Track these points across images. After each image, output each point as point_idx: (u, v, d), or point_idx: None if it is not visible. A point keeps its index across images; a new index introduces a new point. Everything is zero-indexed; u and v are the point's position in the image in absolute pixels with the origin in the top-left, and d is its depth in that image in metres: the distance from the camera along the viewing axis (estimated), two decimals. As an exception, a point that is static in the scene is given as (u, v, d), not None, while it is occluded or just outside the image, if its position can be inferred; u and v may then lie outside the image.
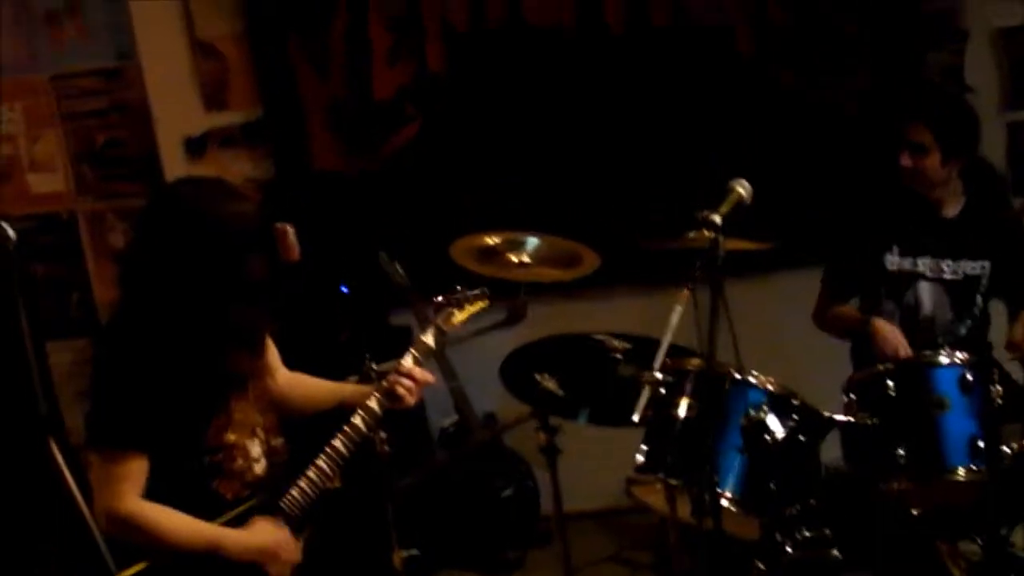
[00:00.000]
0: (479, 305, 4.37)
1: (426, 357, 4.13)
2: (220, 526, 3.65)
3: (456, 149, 6.96)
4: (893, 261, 5.29)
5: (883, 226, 5.33)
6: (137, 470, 3.55)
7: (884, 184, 5.39)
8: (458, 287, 4.36)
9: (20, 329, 5.10)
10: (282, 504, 3.79)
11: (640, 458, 4.55)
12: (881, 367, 4.62)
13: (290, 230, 3.87)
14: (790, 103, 6.69)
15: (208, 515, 3.63)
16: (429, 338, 4.19)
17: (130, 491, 3.54)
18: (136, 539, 3.57)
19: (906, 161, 5.11)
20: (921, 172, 5.10)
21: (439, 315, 4.27)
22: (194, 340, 3.56)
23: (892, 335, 5.05)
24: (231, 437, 3.70)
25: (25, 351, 5.33)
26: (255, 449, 3.81)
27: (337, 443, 3.88)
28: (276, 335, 4.02)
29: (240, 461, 3.74)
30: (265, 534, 3.71)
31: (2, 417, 4.36)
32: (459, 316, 4.31)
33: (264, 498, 3.77)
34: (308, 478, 3.83)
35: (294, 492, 3.80)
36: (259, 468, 3.82)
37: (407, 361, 4.08)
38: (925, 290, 5.27)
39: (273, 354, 4.00)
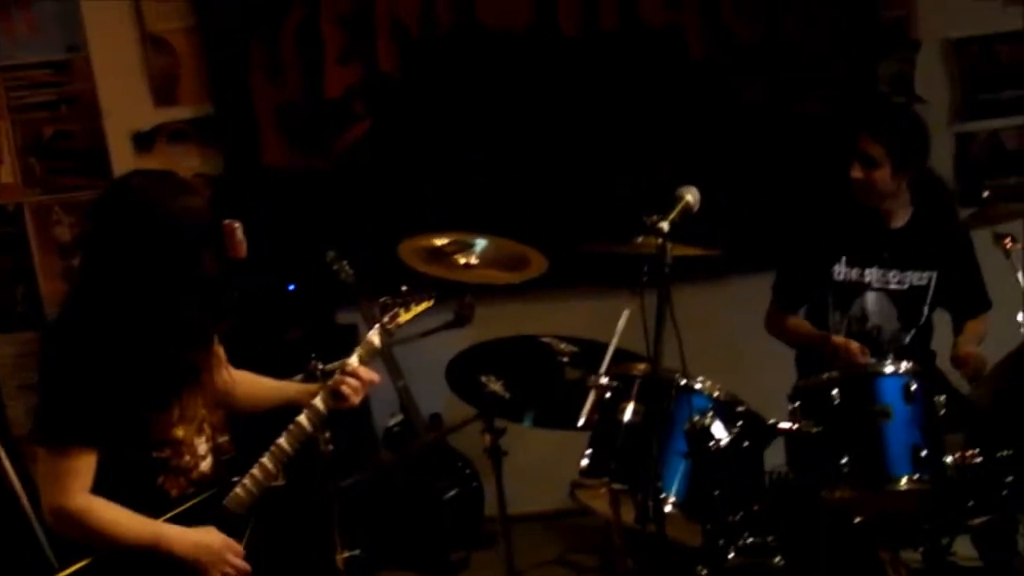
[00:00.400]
0: (425, 305, 4.36)
1: (372, 357, 4.11)
2: (166, 523, 3.62)
3: (405, 149, 6.95)
4: (840, 271, 5.31)
5: (831, 236, 5.35)
6: (85, 466, 3.52)
7: (833, 194, 5.41)
8: (404, 287, 4.34)
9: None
10: (226, 502, 3.77)
11: (585, 462, 4.55)
12: (826, 376, 4.64)
13: (238, 227, 3.85)
14: (742, 109, 6.72)
15: (153, 511, 3.61)
16: (375, 338, 4.18)
17: (78, 487, 3.51)
18: (82, 535, 3.54)
19: (857, 173, 5.13)
20: (871, 184, 5.12)
21: (385, 315, 4.25)
22: (144, 335, 3.53)
23: (852, 348, 5.07)
24: (179, 433, 3.68)
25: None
26: (202, 446, 3.79)
27: (282, 441, 3.86)
28: (222, 332, 4.00)
29: (187, 457, 3.71)
30: (211, 534, 3.68)
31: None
32: (405, 316, 4.30)
33: (209, 495, 3.74)
34: (253, 476, 3.81)
35: (238, 490, 3.79)
36: (205, 465, 3.80)
37: (353, 360, 4.07)
38: (872, 300, 5.30)
39: (220, 352, 3.98)
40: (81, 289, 3.64)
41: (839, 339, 5.15)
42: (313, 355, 4.61)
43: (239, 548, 3.73)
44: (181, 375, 3.69)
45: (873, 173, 5.09)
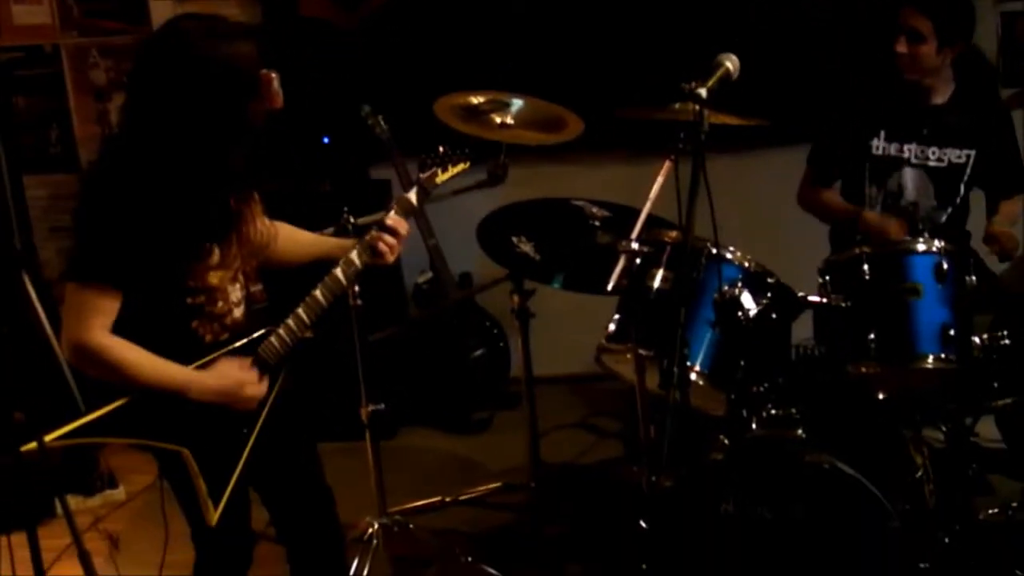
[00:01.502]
0: (462, 166, 4.34)
1: (407, 215, 4.11)
2: (185, 368, 3.64)
3: (444, 5, 6.89)
4: (879, 146, 5.28)
5: (871, 110, 5.31)
6: (110, 306, 3.52)
7: (874, 68, 5.36)
8: (441, 147, 4.32)
9: (-2, 161, 5.07)
10: (259, 350, 3.78)
11: (612, 327, 4.56)
12: (857, 251, 4.62)
13: (275, 77, 3.82)
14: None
15: (185, 356, 3.62)
16: (412, 196, 4.17)
17: (101, 324, 3.52)
18: (99, 372, 3.56)
19: (902, 47, 5.07)
20: (916, 59, 5.06)
21: (422, 174, 4.24)
22: (187, 179, 3.53)
23: (884, 222, 5.06)
24: (214, 280, 3.68)
25: (2, 184, 5.32)
26: (236, 293, 3.79)
27: (317, 293, 3.86)
28: (262, 182, 3.99)
29: (221, 304, 3.72)
30: (227, 377, 3.69)
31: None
32: (442, 176, 4.28)
33: (242, 343, 3.76)
34: (287, 326, 3.81)
35: (272, 339, 3.80)
36: (239, 312, 3.81)
37: (390, 216, 4.06)
38: (909, 176, 5.26)
39: (257, 201, 3.97)
40: (125, 130, 3.63)
41: (872, 215, 5.14)
42: (345, 209, 4.61)
43: (254, 376, 3.75)
44: (220, 222, 3.69)
45: (919, 48, 5.03)
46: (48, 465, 3.55)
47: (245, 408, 3.73)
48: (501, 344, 6.93)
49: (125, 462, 6.34)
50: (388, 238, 4.00)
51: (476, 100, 5.05)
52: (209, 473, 3.68)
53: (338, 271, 3.91)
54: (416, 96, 5.51)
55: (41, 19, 7.20)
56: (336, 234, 4.34)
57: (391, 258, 4.04)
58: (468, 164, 4.34)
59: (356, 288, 4.86)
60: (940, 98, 5.22)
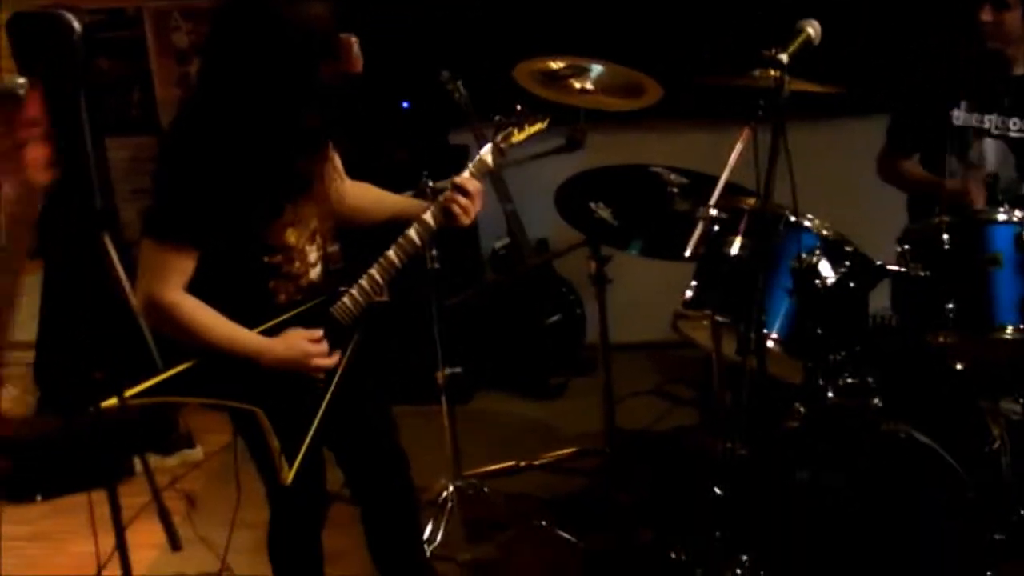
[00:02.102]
0: (539, 126, 4.32)
1: (483, 175, 4.11)
2: (255, 335, 3.67)
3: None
4: (959, 116, 5.23)
5: (952, 80, 5.26)
6: (186, 264, 3.56)
7: (955, 37, 5.31)
8: (518, 106, 4.32)
9: (80, 123, 5.11)
10: (333, 311, 3.80)
11: (689, 293, 4.55)
12: (937, 220, 4.58)
13: (355, 41, 3.84)
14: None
15: (261, 315, 3.66)
16: (488, 156, 4.16)
17: (176, 282, 3.55)
18: (171, 330, 3.60)
19: (987, 16, 5.01)
20: (1001, 27, 5.01)
21: (498, 134, 4.23)
22: (263, 140, 3.55)
23: (965, 185, 5.02)
24: (291, 239, 3.71)
25: (84, 145, 5.36)
26: (313, 254, 3.82)
27: (391, 254, 3.87)
28: (339, 144, 4.01)
29: (297, 264, 3.75)
30: (295, 348, 3.71)
31: (59, 210, 4.38)
32: (518, 136, 4.27)
33: (316, 303, 3.79)
34: (360, 287, 3.83)
35: (346, 300, 3.82)
36: (315, 273, 3.83)
37: (462, 177, 4.06)
38: (990, 147, 5.21)
39: (336, 162, 3.99)
40: (201, 92, 3.66)
41: (953, 183, 5.10)
42: (424, 173, 4.63)
43: (323, 345, 3.77)
44: (296, 182, 3.71)
45: (1003, 15, 4.98)
46: (128, 423, 3.59)
47: (314, 375, 3.76)
48: (578, 310, 6.94)
49: (202, 422, 6.41)
50: (462, 199, 3.98)
51: (556, 65, 5.05)
52: (284, 433, 3.72)
53: (412, 231, 3.92)
54: (495, 61, 5.52)
55: (125, -19, 7.26)
56: (415, 198, 4.35)
57: (466, 220, 4.02)
58: (545, 124, 4.32)
59: (434, 252, 4.88)
60: (1021, 68, 5.17)
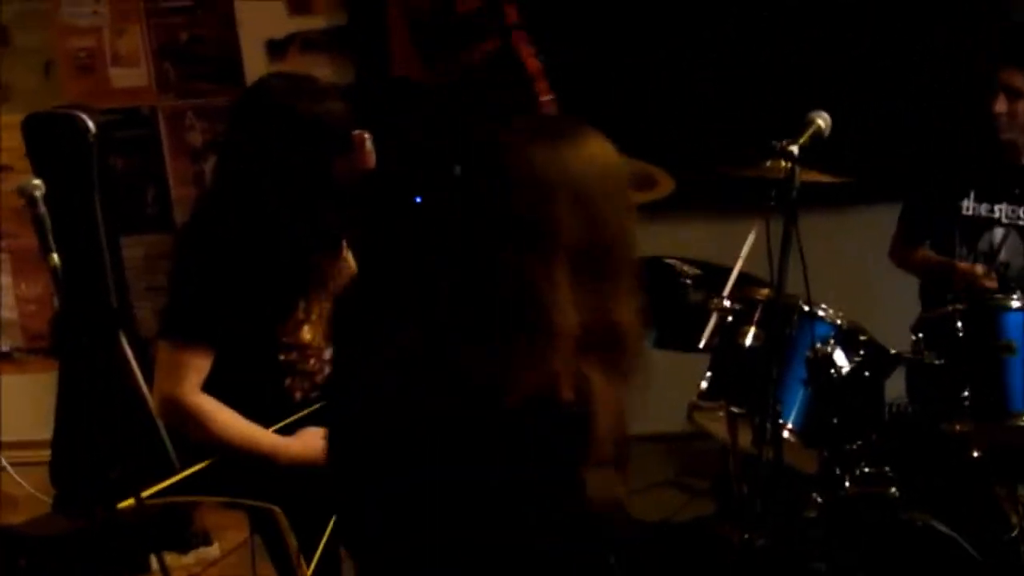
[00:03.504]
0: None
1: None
2: (272, 434, 3.68)
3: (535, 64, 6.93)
4: (969, 206, 5.25)
5: (961, 170, 5.29)
6: (202, 364, 3.57)
7: (965, 128, 5.34)
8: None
9: (96, 221, 5.14)
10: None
11: (704, 384, 4.56)
12: (950, 307, 4.60)
13: (368, 137, 3.86)
14: (876, 35, 6.62)
15: (277, 414, 3.66)
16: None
17: (193, 382, 3.57)
18: (188, 430, 3.61)
19: (1001, 107, 5.03)
20: (1015, 117, 5.03)
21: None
22: (278, 237, 3.57)
23: (976, 270, 5.03)
24: (306, 337, 3.72)
25: (100, 243, 5.39)
26: (328, 351, 3.83)
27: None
28: (352, 240, 4.03)
29: (313, 361, 3.76)
30: (311, 447, 3.70)
31: (75, 309, 4.40)
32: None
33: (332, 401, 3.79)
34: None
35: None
36: (330, 370, 3.84)
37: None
38: (1000, 236, 5.23)
39: (350, 259, 4.01)
40: (215, 188, 3.69)
41: (964, 265, 5.11)
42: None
43: None
44: (310, 279, 3.72)
45: (1018, 105, 5.01)
46: (144, 522, 3.59)
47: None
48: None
49: (220, 520, 6.39)
50: None
51: (568, 159, 5.07)
52: (301, 531, 3.70)
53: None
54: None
55: (138, 82, 7.31)
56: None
57: None
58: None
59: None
60: (1032, 161, 5.20)
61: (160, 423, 4.39)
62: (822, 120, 3.98)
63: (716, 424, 4.58)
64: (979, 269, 5.01)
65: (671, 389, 5.04)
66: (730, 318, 4.36)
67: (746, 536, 4.32)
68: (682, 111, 6.81)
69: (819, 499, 4.39)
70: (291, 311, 3.68)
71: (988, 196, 5.23)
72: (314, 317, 3.75)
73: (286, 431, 3.69)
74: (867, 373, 4.42)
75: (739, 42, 6.73)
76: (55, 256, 3.83)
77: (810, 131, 3.94)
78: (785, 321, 4.32)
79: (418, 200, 6.68)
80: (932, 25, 6.56)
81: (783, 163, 3.85)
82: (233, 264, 3.52)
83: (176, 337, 3.58)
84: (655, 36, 6.78)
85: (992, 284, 4.95)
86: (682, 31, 6.76)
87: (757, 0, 6.67)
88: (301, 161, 3.54)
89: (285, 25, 7.10)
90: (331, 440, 2.68)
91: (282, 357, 3.69)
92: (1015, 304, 4.51)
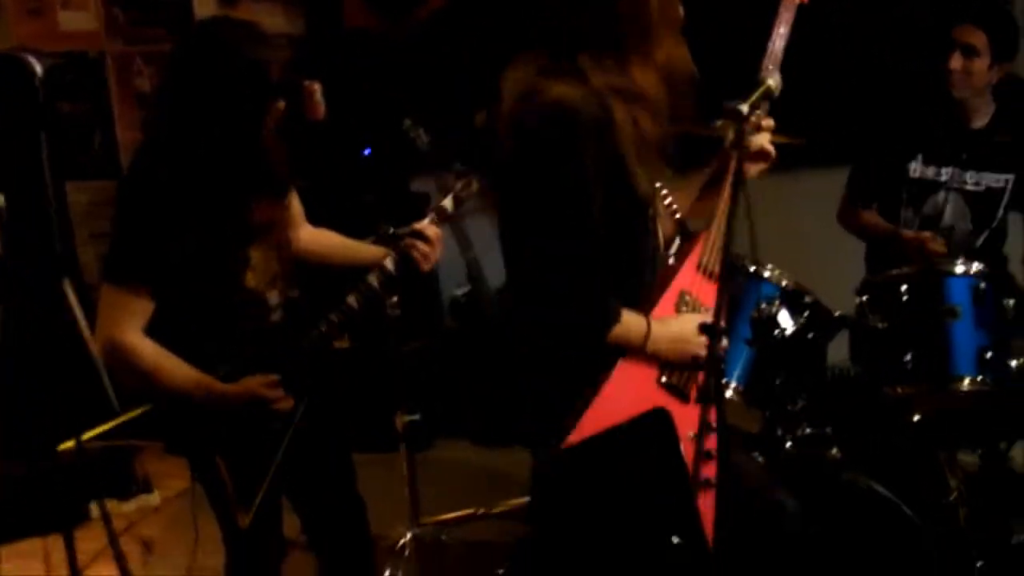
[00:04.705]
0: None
1: (442, 222, 4.12)
2: (211, 379, 3.66)
3: (488, 17, 6.91)
4: (916, 168, 5.27)
5: (909, 133, 5.30)
6: (143, 307, 3.56)
7: (914, 90, 5.36)
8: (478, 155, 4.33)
9: (41, 166, 5.10)
10: (292, 356, 3.80)
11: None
12: (895, 272, 4.62)
13: (317, 88, 3.85)
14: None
15: (220, 359, 3.65)
16: (447, 203, 4.18)
17: (134, 324, 3.56)
18: (129, 372, 3.59)
19: (956, 63, 5.05)
20: (970, 75, 5.04)
21: (459, 182, 4.24)
22: (217, 181, 3.56)
23: (924, 236, 5.05)
24: (251, 283, 3.71)
25: (45, 189, 5.34)
26: (273, 298, 3.82)
27: (351, 300, 3.88)
28: (299, 192, 4.02)
29: (257, 308, 3.75)
30: (250, 392, 3.70)
31: (18, 254, 4.37)
32: (478, 185, 4.28)
33: (276, 347, 3.78)
34: (320, 332, 3.84)
35: (305, 345, 3.82)
36: (276, 317, 3.83)
37: (421, 223, 4.07)
38: (946, 199, 5.25)
39: (297, 207, 4.00)
40: (155, 134, 3.67)
41: (909, 233, 5.13)
42: (383, 220, 4.64)
43: (274, 381, 3.75)
44: (254, 226, 3.71)
45: (972, 63, 5.02)
46: (84, 467, 3.58)
47: (271, 420, 3.75)
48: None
49: (160, 467, 6.38)
50: (421, 245, 4.01)
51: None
52: (242, 478, 3.70)
53: (372, 277, 3.94)
54: (459, 109, 5.53)
55: (87, 26, 7.25)
56: (376, 244, 4.35)
57: (426, 266, 4.05)
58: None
59: (394, 299, 4.88)
60: (979, 122, 5.21)
61: (103, 369, 4.36)
62: (773, 80, 3.97)
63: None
64: (927, 235, 5.02)
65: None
66: (676, 276, 4.37)
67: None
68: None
69: (760, 459, 4.40)
70: (234, 255, 3.66)
71: (936, 159, 5.24)
72: (257, 263, 3.73)
73: (230, 376, 3.67)
74: (811, 335, 4.44)
75: (692, 3, 6.71)
76: (1, 198, 3.81)
77: (760, 91, 3.93)
78: (730, 280, 4.32)
79: (367, 153, 6.67)
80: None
81: (732, 123, 3.85)
82: (174, 207, 3.51)
83: (118, 280, 3.56)
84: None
85: (941, 249, 4.98)
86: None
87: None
88: (241, 105, 3.53)
89: (237, -28, 7.06)
90: None
91: (227, 302, 3.68)
92: (959, 269, 4.53)
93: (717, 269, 3.61)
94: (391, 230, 4.52)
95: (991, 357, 4.40)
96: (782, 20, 3.98)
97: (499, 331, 6.81)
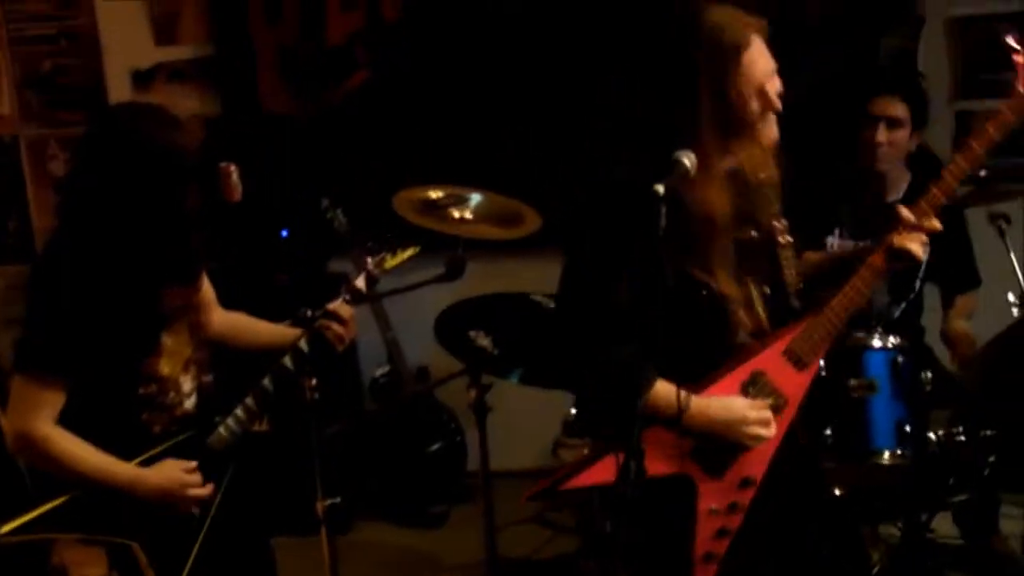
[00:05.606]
0: (411, 252, 4.32)
1: (357, 302, 4.11)
2: (129, 466, 3.62)
3: (404, 100, 6.93)
4: (834, 243, 5.30)
5: (827, 208, 5.33)
6: (55, 397, 3.52)
7: (829, 165, 5.39)
8: (390, 234, 4.33)
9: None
10: (208, 441, 3.77)
11: (569, 421, 4.55)
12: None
13: (234, 169, 3.82)
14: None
15: (135, 447, 3.61)
16: (361, 282, 4.16)
17: (47, 416, 3.52)
18: (42, 464, 3.57)
19: (882, 136, 5.10)
20: (894, 146, 5.10)
21: (371, 260, 4.23)
22: (129, 270, 3.53)
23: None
24: (164, 370, 3.68)
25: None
26: (187, 384, 3.79)
27: (266, 383, 3.86)
28: (213, 274, 4.00)
29: (172, 395, 3.72)
30: (170, 479, 3.66)
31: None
32: (391, 262, 4.27)
33: (191, 434, 3.75)
34: (236, 416, 3.81)
35: (221, 430, 3.79)
36: (189, 403, 3.80)
37: (336, 303, 4.06)
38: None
39: (209, 291, 3.97)
40: (68, 221, 3.64)
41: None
42: (302, 303, 4.62)
43: (196, 476, 3.72)
44: (166, 312, 3.68)
45: (896, 134, 5.08)
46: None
47: (186, 509, 3.71)
48: (458, 438, 6.90)
49: (77, 556, 6.26)
50: (336, 326, 3.99)
51: (435, 194, 5.07)
52: (160, 566, 3.65)
53: (287, 359, 3.92)
54: (375, 190, 5.53)
55: (1, 110, 7.21)
56: (294, 326, 4.33)
57: (340, 346, 4.03)
58: (417, 250, 4.33)
59: (313, 381, 4.85)
60: (895, 194, 5.25)
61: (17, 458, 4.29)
62: (688, 159, 3.98)
63: (581, 460, 4.57)
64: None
65: (536, 425, 5.06)
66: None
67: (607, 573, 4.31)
68: (549, 149, 6.82)
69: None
70: (147, 345, 3.63)
71: (853, 233, 5.27)
72: (171, 349, 3.70)
73: (146, 465, 3.63)
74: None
75: (611, 71, 6.76)
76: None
77: (677, 171, 3.95)
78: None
79: (284, 234, 6.65)
80: (798, 59, 6.63)
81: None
82: (85, 297, 3.47)
83: (29, 370, 3.52)
84: (522, 74, 6.79)
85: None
86: (551, 69, 6.77)
87: (620, 42, 6.69)
88: (147, 191, 3.50)
89: (151, 55, 7.04)
90: None
91: (140, 391, 3.64)
92: (876, 343, 4.55)
93: (808, 360, 3.62)
94: (308, 312, 4.50)
95: (910, 430, 4.42)
96: None
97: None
